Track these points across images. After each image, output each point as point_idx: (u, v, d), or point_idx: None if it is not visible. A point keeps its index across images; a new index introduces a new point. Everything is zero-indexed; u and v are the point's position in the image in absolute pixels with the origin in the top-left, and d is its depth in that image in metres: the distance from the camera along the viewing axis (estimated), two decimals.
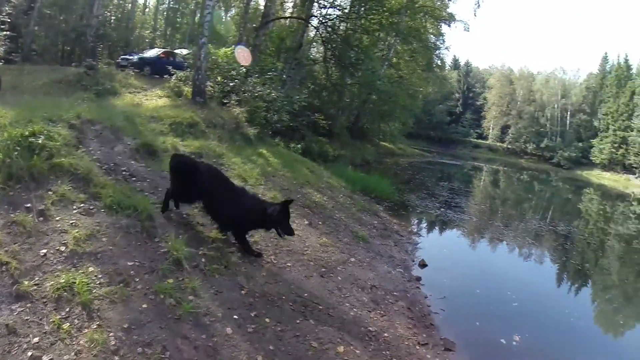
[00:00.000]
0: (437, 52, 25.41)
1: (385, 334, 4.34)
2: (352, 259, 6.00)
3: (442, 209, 13.29)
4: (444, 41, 25.45)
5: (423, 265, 7.49)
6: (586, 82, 52.57)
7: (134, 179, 5.11)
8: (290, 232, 4.73)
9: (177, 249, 3.81)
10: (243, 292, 3.95)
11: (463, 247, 10.27)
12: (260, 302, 3.92)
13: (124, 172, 5.08)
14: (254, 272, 4.40)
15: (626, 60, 47.13)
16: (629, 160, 42.80)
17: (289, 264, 4.99)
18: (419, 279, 6.68)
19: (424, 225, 11.61)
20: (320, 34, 16.92)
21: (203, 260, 4.06)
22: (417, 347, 4.39)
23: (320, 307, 4.30)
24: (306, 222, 6.66)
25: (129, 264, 3.45)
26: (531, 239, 12.32)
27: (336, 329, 4.02)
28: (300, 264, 5.14)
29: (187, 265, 3.78)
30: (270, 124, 12.24)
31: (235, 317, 3.53)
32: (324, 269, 5.23)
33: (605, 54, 53.27)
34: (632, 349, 6.75)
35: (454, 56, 59.85)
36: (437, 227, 11.65)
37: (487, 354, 5.05)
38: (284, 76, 15.45)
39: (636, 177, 41.87)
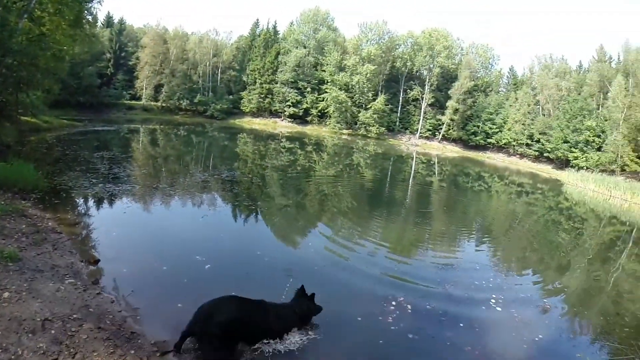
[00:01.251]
0: (89, 5, 21.12)
1: None
2: (6, 294, 4.53)
3: (102, 184, 12.18)
4: None
5: (95, 261, 6.58)
6: (237, 43, 60.69)
7: None
8: (320, 310, 5.48)
9: None
10: None
11: (135, 222, 9.49)
12: None
13: None
14: None
15: (275, 26, 57.83)
16: (275, 107, 54.71)
17: None
18: (95, 282, 5.84)
19: (84, 209, 10.03)
20: None
21: None
22: None
23: None
24: None
25: None
26: (200, 193, 13.30)
27: None
28: None
29: None
30: None
31: None
32: None
33: (257, 19, 64.51)
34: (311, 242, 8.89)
35: (108, 12, 53.57)
36: (100, 207, 10.26)
37: None
38: None
39: (282, 120, 54.61)
